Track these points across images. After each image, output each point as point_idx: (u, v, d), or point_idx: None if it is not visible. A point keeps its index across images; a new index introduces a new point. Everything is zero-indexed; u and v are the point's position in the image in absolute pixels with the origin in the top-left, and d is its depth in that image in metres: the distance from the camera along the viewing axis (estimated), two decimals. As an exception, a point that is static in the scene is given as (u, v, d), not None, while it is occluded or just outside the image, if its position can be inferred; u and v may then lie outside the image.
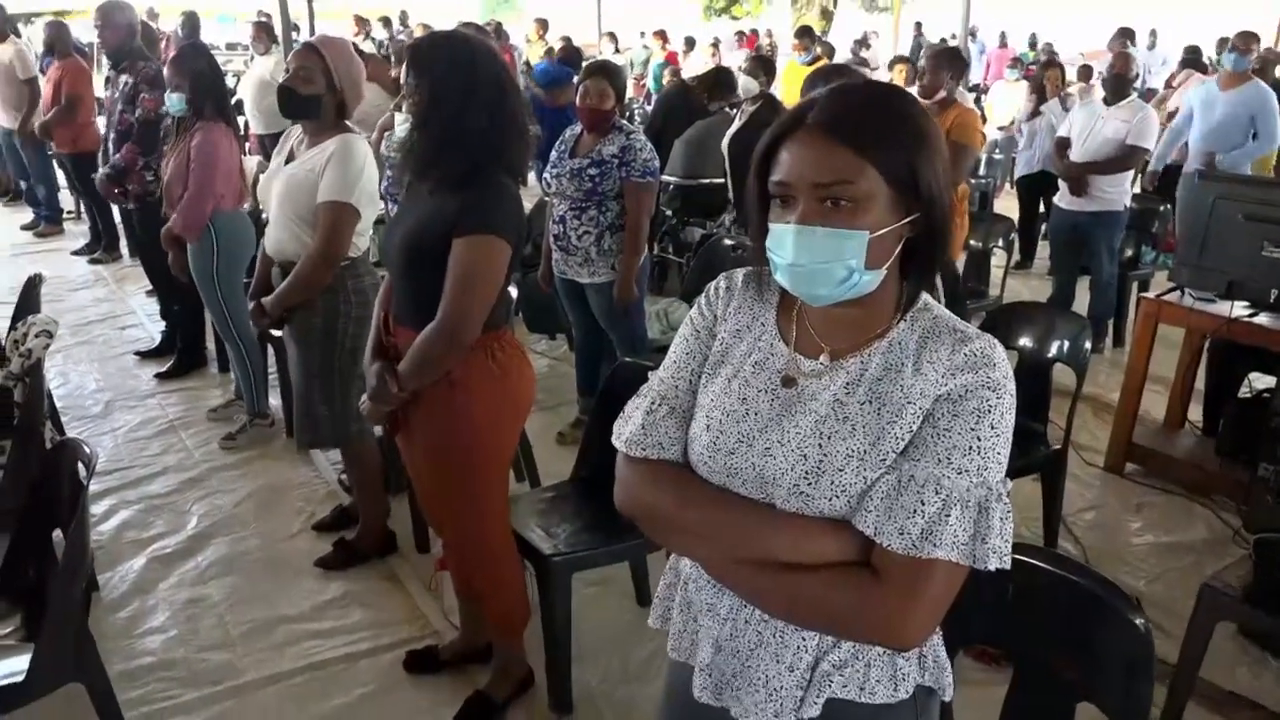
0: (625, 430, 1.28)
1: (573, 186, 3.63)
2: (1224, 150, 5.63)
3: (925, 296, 1.18)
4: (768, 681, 1.19)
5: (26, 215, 8.19)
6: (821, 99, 1.11)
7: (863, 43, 16.15)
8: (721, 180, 5.54)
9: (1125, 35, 9.13)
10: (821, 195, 1.07)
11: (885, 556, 1.08)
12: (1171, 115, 6.78)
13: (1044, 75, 7.23)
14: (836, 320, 1.17)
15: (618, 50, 13.35)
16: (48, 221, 7.94)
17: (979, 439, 1.08)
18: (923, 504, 1.06)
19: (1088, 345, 3.13)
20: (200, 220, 3.76)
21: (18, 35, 7.83)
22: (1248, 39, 5.78)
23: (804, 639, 1.17)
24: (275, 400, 4.26)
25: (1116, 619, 1.47)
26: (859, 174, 1.06)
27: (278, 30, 7.63)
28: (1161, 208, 5.61)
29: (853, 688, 1.17)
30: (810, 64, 7.68)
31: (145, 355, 5.09)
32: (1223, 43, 9.79)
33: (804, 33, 8.06)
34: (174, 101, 3.71)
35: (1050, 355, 3.18)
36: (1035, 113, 6.98)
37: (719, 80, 6.35)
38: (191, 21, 7.61)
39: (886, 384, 1.12)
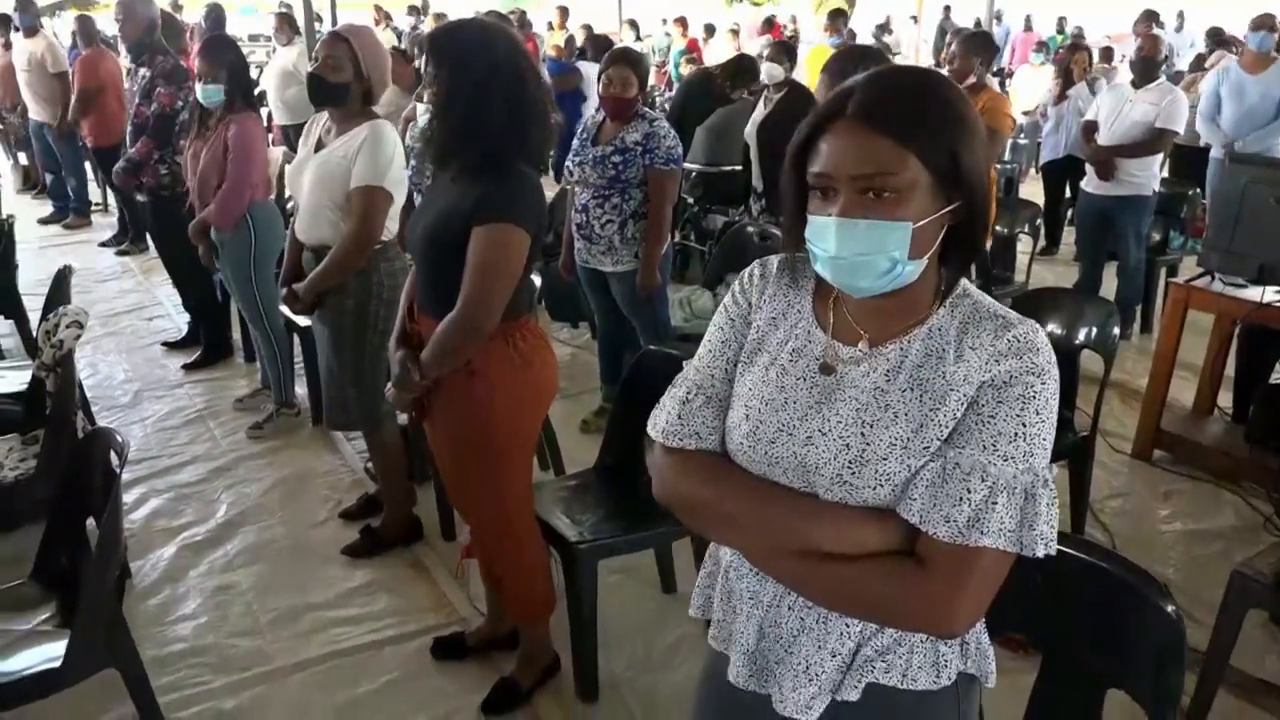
0: (660, 420, 1.27)
1: (596, 174, 3.63)
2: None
3: (964, 282, 1.17)
4: (808, 667, 1.19)
5: (46, 208, 8.28)
6: (860, 87, 1.09)
7: (884, 28, 16.01)
8: (742, 167, 5.52)
9: (1151, 17, 9.00)
10: (863, 187, 1.06)
11: (931, 545, 1.07)
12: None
13: (1070, 59, 7.13)
14: (874, 307, 1.15)
15: (639, 38, 13.30)
16: (76, 214, 8.04)
17: (1024, 425, 1.07)
18: (969, 491, 1.05)
19: (1116, 331, 3.09)
20: (239, 211, 3.79)
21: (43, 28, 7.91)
22: (1267, 18, 5.69)
23: (847, 625, 1.17)
24: (301, 389, 4.29)
25: (1147, 606, 1.46)
26: (901, 164, 1.05)
27: (300, 21, 7.66)
28: (1190, 192, 5.54)
29: (895, 674, 1.17)
30: (838, 47, 7.61)
31: (172, 346, 5.15)
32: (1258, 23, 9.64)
33: (836, 15, 8.02)
34: (210, 93, 3.71)
35: (1078, 341, 3.15)
36: (1062, 97, 6.89)
37: (741, 67, 6.32)
38: (216, 13, 7.62)
39: (928, 370, 1.11)
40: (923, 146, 1.05)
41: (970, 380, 1.09)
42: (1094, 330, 3.12)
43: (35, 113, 7.60)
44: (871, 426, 1.11)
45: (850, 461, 1.10)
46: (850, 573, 1.11)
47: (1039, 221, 5.39)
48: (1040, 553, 1.06)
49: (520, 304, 2.23)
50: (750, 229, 4.48)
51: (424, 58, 2.18)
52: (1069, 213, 6.74)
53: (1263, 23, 5.65)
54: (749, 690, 1.25)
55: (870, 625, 1.17)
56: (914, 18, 17.89)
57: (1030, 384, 1.07)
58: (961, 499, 1.05)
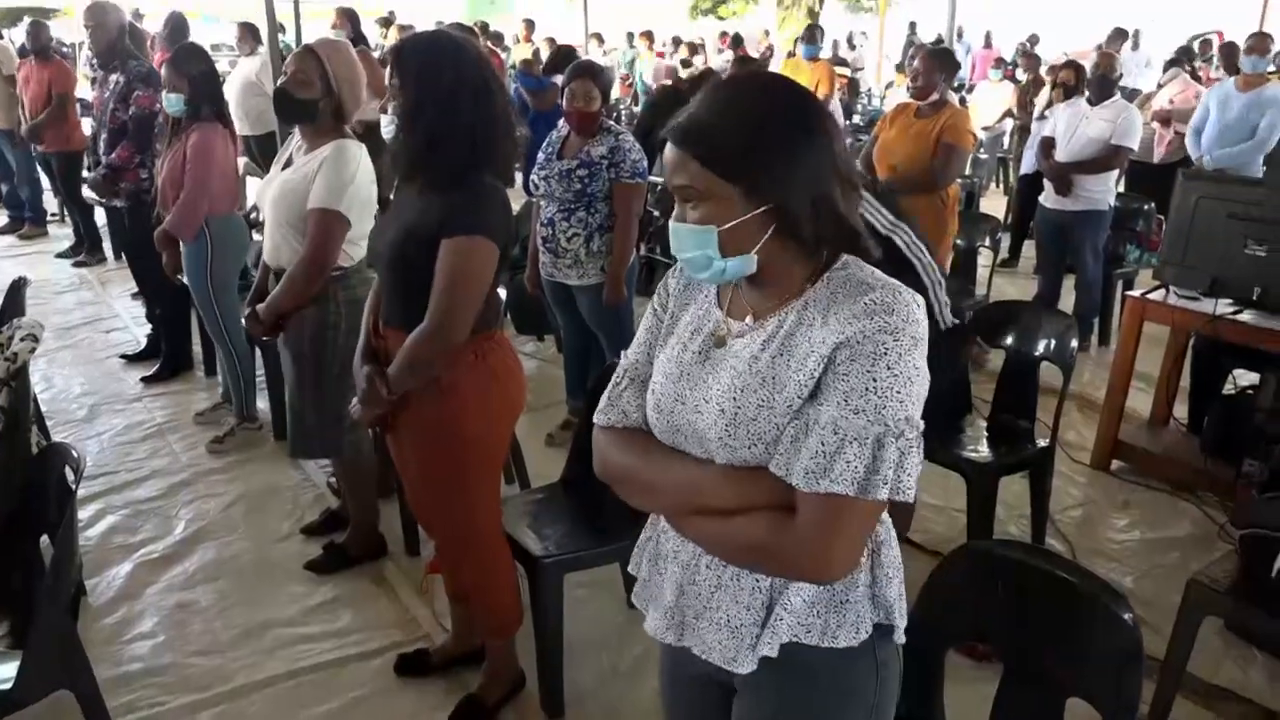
0: (600, 404, 1.42)
1: (561, 188, 3.63)
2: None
3: (848, 258, 1.25)
4: (728, 621, 1.28)
5: (1, 219, 8.14)
6: (689, 107, 1.22)
7: (848, 41, 16.21)
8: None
9: (1121, 36, 9.21)
10: (682, 196, 1.22)
11: (799, 496, 1.16)
12: (1160, 115, 6.81)
13: (1054, 75, 7.15)
14: (759, 286, 1.27)
15: (604, 51, 13.35)
16: (32, 223, 7.89)
17: (874, 380, 1.13)
18: (822, 444, 1.14)
19: (1074, 343, 3.14)
20: (195, 221, 3.74)
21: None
22: (1263, 40, 5.81)
23: (757, 581, 1.27)
24: (263, 403, 4.24)
25: (1105, 615, 1.48)
26: (701, 178, 1.19)
27: (263, 32, 7.59)
28: (1145, 206, 5.65)
29: (814, 634, 1.26)
30: (813, 59, 7.71)
31: (131, 359, 5.07)
32: (1205, 45, 9.88)
33: (812, 28, 8.27)
34: (172, 102, 3.68)
35: (1037, 353, 3.20)
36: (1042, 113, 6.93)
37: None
38: (176, 22, 7.54)
39: (798, 338, 1.20)
40: (713, 160, 1.18)
41: (827, 342, 1.17)
42: (1053, 342, 3.17)
43: None
44: (742, 391, 1.21)
45: (727, 425, 1.21)
46: (735, 525, 1.22)
47: (1000, 235, 5.47)
48: (882, 496, 1.13)
49: (488, 317, 2.23)
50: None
51: (388, 69, 2.18)
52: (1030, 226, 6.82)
53: (1253, 47, 5.78)
54: (668, 644, 1.37)
55: (779, 581, 1.26)
56: (865, 34, 18.23)
57: (881, 341, 1.14)
58: (816, 451, 1.14)
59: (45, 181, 7.82)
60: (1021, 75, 9.70)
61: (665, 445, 1.31)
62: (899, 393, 1.14)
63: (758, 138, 1.17)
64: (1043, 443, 3.17)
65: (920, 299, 1.20)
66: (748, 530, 1.20)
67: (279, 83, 2.88)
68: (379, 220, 2.71)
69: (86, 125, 6.57)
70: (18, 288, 3.41)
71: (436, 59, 2.10)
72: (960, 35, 15.71)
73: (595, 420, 1.41)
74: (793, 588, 1.25)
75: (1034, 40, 14.34)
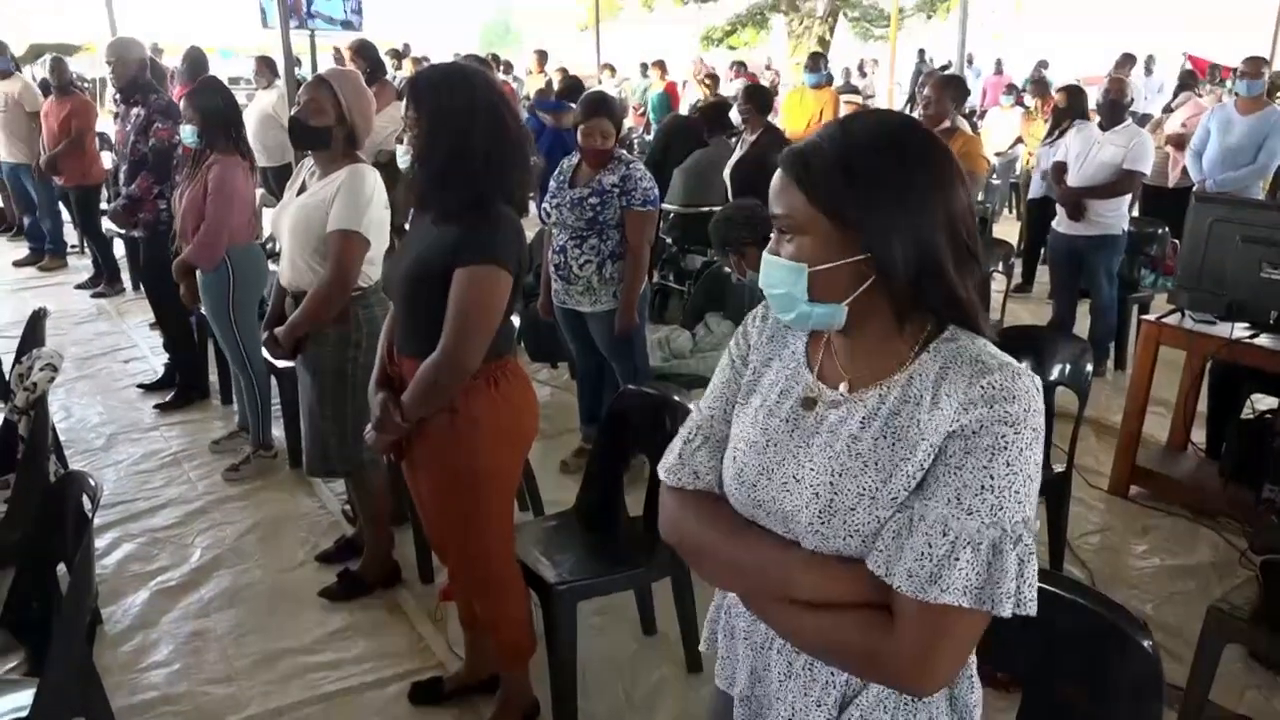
0: (666, 460, 1.31)
1: (573, 216, 3.65)
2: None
3: (954, 328, 1.13)
4: (793, 715, 1.19)
5: (22, 250, 8.24)
6: (810, 137, 1.15)
7: (859, 69, 16.30)
8: (720, 208, 5.57)
9: (1129, 61, 9.24)
10: (779, 227, 1.13)
11: (899, 599, 1.06)
12: (1173, 139, 6.82)
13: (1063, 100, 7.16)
14: (856, 350, 1.17)
15: (616, 82, 13.46)
16: (52, 255, 7.98)
17: (992, 477, 1.03)
18: (930, 546, 1.04)
19: (1089, 368, 3.13)
20: (216, 252, 3.79)
21: (20, 71, 7.93)
22: (1257, 64, 5.82)
23: (833, 675, 1.17)
24: (278, 431, 4.26)
25: (1125, 642, 1.46)
26: (796, 208, 1.10)
27: (279, 65, 7.69)
28: (1160, 230, 5.64)
29: None
30: (817, 86, 7.76)
31: (148, 388, 5.10)
32: (1214, 70, 9.90)
33: (816, 56, 8.35)
34: (187, 134, 3.76)
35: (1052, 378, 3.19)
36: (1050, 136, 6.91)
37: (719, 111, 6.43)
38: (194, 57, 7.66)
39: (903, 418, 1.10)
40: (816, 188, 1.08)
41: (940, 429, 1.06)
42: (1068, 367, 3.16)
43: (9, 154, 7.58)
44: (841, 475, 1.11)
45: (820, 511, 1.11)
46: (826, 622, 1.11)
47: (1013, 260, 5.46)
48: (1007, 612, 1.03)
49: (501, 344, 2.24)
50: (728, 269, 4.51)
51: (404, 100, 2.21)
52: (1043, 251, 6.82)
53: (1247, 70, 5.79)
54: None
55: (856, 680, 1.16)
56: (876, 61, 18.33)
57: (1000, 434, 1.03)
58: (923, 553, 1.04)
59: (65, 214, 7.93)
60: (1030, 101, 9.72)
61: (744, 520, 1.20)
62: (1017, 492, 1.03)
63: (864, 171, 1.07)
64: (1059, 468, 3.15)
65: (1039, 383, 1.09)
66: (841, 629, 1.10)
67: (293, 111, 2.94)
68: (394, 249, 2.73)
69: (108, 159, 6.67)
70: (38, 318, 3.45)
71: (451, 90, 2.13)
72: (970, 62, 15.79)
73: (663, 478, 1.29)
74: (870, 687, 1.15)
75: (1044, 65, 14.38)
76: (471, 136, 2.10)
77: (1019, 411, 1.04)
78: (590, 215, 3.62)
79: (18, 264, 8.01)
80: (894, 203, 1.07)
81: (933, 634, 1.04)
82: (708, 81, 10.74)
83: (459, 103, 2.11)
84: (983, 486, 1.03)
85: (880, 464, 1.09)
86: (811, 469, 1.13)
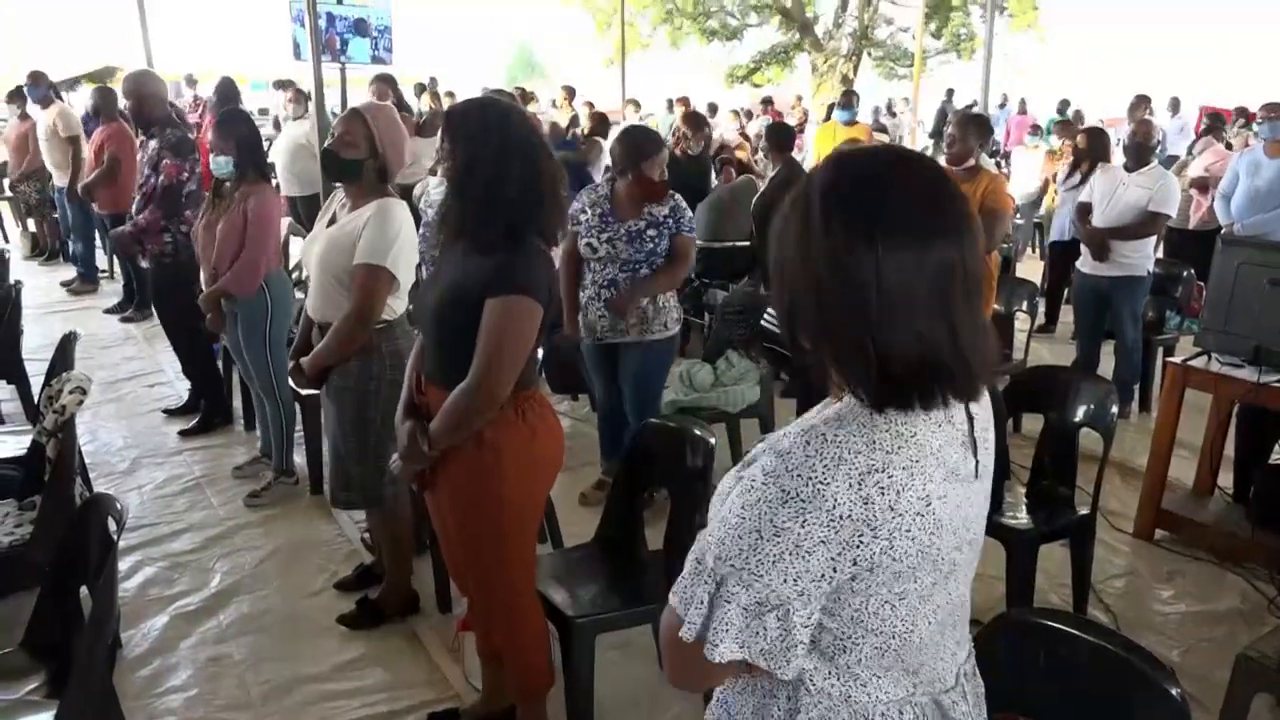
0: None
1: (630, 249, 3.67)
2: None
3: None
4: None
5: (67, 273, 8.39)
6: None
7: (888, 109, 16.40)
8: (745, 243, 5.61)
9: (1144, 103, 9.25)
10: None
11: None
12: (1196, 182, 6.80)
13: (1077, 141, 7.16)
14: None
15: (640, 116, 13.58)
16: (83, 279, 8.11)
17: (730, 511, 1.07)
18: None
19: (1115, 409, 3.11)
20: (256, 279, 3.84)
21: (60, 99, 8.11)
22: (1277, 108, 5.82)
23: None
24: (300, 458, 4.29)
25: (1152, 689, 1.44)
26: None
27: (311, 95, 7.83)
28: (1185, 272, 5.61)
29: None
30: (849, 123, 7.82)
31: (173, 413, 5.15)
32: (1240, 113, 9.89)
33: (848, 94, 8.51)
34: (220, 165, 3.80)
35: (1077, 419, 3.16)
36: (1071, 177, 6.89)
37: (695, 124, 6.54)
38: (226, 87, 7.81)
39: None
40: None
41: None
42: (1093, 408, 3.14)
43: (58, 179, 7.75)
44: None
45: None
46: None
47: (1037, 299, 5.45)
48: (689, 635, 1.08)
49: (528, 375, 2.25)
50: (732, 308, 4.57)
51: (440, 134, 2.25)
52: (1067, 291, 6.79)
53: (1269, 115, 5.78)
54: None
55: None
56: (906, 99, 18.40)
57: (752, 477, 1.06)
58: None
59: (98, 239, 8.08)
60: (1055, 141, 9.73)
61: None
62: (740, 538, 1.05)
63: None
64: (1083, 510, 3.12)
65: (847, 470, 1.04)
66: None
67: (327, 143, 2.98)
68: (423, 278, 2.76)
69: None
70: (68, 342, 3.50)
71: (484, 124, 2.17)
72: (1004, 104, 15.88)
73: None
74: None
75: (1065, 104, 14.41)
76: (506, 169, 2.13)
77: (780, 468, 1.04)
78: (650, 247, 3.68)
79: (66, 284, 8.16)
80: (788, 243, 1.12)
81: (664, 628, 1.14)
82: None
83: (493, 136, 2.15)
84: (723, 518, 1.07)
85: None
86: None
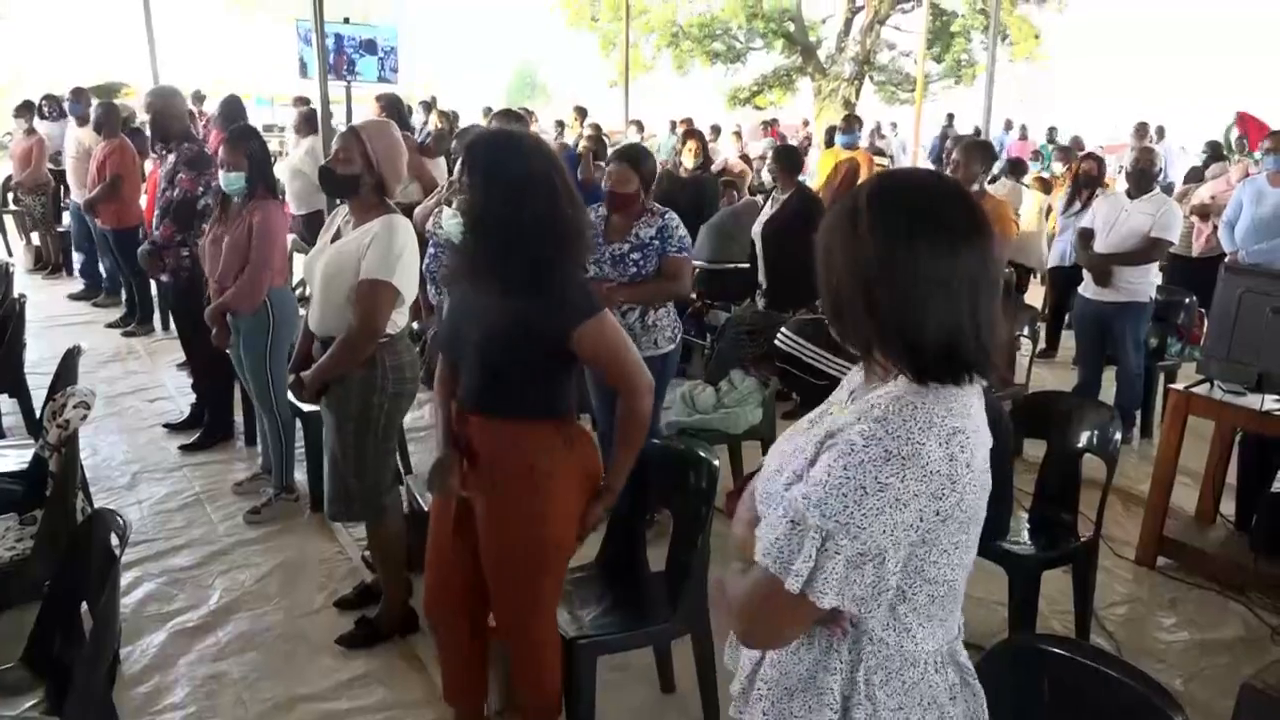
0: None
1: (616, 272, 3.64)
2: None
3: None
4: None
5: (70, 287, 8.40)
6: None
7: (876, 131, 16.52)
8: (747, 265, 5.61)
9: (1144, 130, 9.33)
10: None
11: None
12: (1198, 209, 6.82)
13: (1080, 168, 7.17)
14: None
15: (643, 138, 13.64)
16: (108, 293, 8.09)
17: (829, 473, 1.18)
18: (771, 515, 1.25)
19: (1117, 435, 3.11)
20: (259, 295, 3.85)
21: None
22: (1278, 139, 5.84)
23: None
24: (301, 475, 4.28)
25: (1157, 718, 1.44)
26: None
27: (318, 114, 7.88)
28: (1186, 299, 5.62)
29: None
30: (850, 146, 7.86)
31: (174, 428, 5.14)
32: (1241, 141, 9.94)
33: (850, 118, 8.58)
34: (231, 180, 3.81)
35: (1079, 445, 3.17)
36: (1072, 204, 6.90)
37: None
38: (232, 104, 7.85)
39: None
40: None
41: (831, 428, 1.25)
42: (1095, 434, 3.14)
43: (76, 195, 7.79)
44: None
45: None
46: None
47: (1039, 325, 5.46)
48: (792, 586, 1.18)
49: (567, 403, 2.31)
50: (742, 328, 4.55)
51: (458, 166, 2.27)
52: (1068, 316, 6.80)
53: (1272, 147, 5.79)
54: None
55: None
56: (895, 124, 18.64)
57: (851, 440, 1.18)
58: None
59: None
60: (1058, 168, 9.78)
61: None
62: (844, 495, 1.16)
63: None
64: (1085, 536, 3.11)
65: (953, 438, 1.21)
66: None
67: (324, 161, 3.02)
68: (442, 301, 2.76)
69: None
70: (72, 356, 3.50)
71: (503, 159, 2.20)
72: (1009, 127, 15.99)
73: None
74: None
75: (1053, 131, 14.52)
76: (525, 205, 2.15)
77: (879, 431, 1.17)
78: (634, 270, 3.62)
79: (100, 308, 8.14)
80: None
81: (750, 590, 1.24)
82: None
83: (511, 171, 2.17)
84: (821, 481, 1.18)
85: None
86: None
